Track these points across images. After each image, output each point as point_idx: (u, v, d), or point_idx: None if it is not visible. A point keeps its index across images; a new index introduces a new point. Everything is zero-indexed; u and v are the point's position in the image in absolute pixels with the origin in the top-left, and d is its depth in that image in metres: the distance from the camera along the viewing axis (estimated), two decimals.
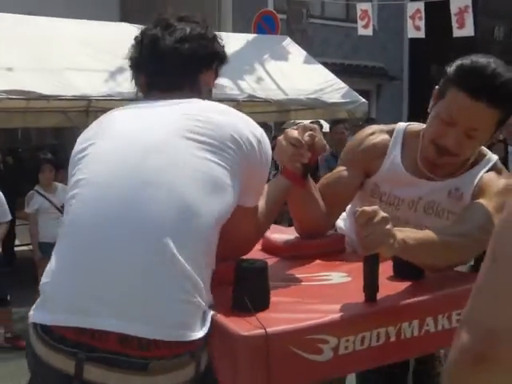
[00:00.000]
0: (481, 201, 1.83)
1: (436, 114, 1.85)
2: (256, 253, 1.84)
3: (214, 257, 1.46)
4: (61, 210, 5.87)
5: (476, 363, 0.78)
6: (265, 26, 10.77)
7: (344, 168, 2.10)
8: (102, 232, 1.38)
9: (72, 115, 9.21)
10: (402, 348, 1.51)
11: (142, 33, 1.67)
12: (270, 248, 1.97)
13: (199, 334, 1.35)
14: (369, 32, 10.28)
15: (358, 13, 10.20)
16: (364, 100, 8.89)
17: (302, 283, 1.70)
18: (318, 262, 1.91)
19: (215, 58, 1.69)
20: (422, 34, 9.53)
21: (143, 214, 1.37)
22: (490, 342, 0.77)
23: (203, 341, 1.36)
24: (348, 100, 8.55)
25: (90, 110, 8.98)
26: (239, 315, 1.39)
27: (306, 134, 1.80)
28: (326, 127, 8.14)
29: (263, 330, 1.30)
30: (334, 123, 7.66)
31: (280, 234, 2.07)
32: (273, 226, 2.14)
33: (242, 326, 1.32)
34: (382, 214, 1.47)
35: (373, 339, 1.44)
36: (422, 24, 9.42)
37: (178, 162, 1.42)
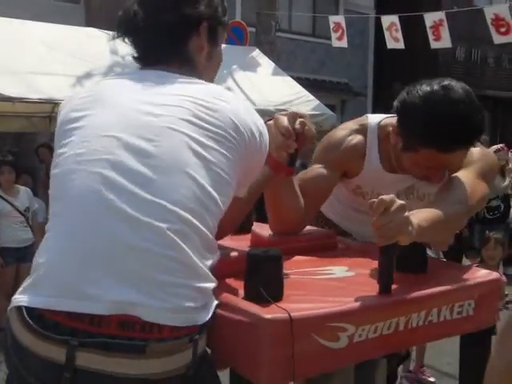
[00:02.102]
0: (462, 170, 1.86)
1: (414, 163, 1.87)
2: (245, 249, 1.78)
3: (215, 243, 1.41)
4: (24, 213, 5.71)
5: None
6: (233, 36, 10.76)
7: (321, 166, 2.07)
8: (103, 210, 1.28)
9: (35, 121, 9.04)
10: (408, 337, 1.49)
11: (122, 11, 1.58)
12: (260, 243, 1.91)
13: (204, 318, 1.29)
14: (343, 44, 10.32)
15: (331, 25, 10.22)
16: (332, 113, 8.95)
17: (307, 277, 1.65)
18: (314, 257, 1.87)
19: (200, 21, 1.53)
20: (401, 45, 9.59)
21: (147, 196, 1.29)
22: None
23: (204, 327, 1.31)
24: (316, 112, 8.57)
25: (52, 115, 8.84)
26: (256, 304, 1.32)
27: (297, 121, 1.73)
28: None
29: (287, 315, 1.23)
30: None
31: (268, 230, 2.01)
32: (256, 224, 2.09)
33: (264, 311, 1.25)
34: (399, 201, 1.43)
35: (384, 328, 1.41)
36: (399, 35, 9.49)
37: (182, 150, 1.34)
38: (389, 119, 2.07)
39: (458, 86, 1.79)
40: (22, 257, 5.61)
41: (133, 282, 1.24)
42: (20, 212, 5.70)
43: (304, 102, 8.73)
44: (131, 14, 1.53)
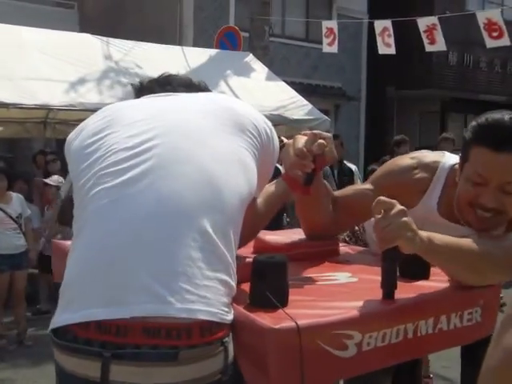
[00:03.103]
0: None
1: (465, 179, 1.77)
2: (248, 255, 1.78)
3: (238, 239, 1.43)
4: (16, 220, 5.69)
5: None
6: (227, 42, 10.77)
7: (373, 188, 1.99)
8: (130, 221, 1.29)
9: (29, 126, 9.02)
10: (418, 345, 1.49)
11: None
12: (264, 249, 1.91)
13: (230, 317, 1.30)
14: (334, 49, 10.33)
15: (324, 30, 10.25)
16: (326, 117, 8.95)
17: (311, 283, 1.64)
18: (317, 263, 1.87)
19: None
20: (392, 51, 9.61)
21: (174, 201, 1.30)
22: None
23: (230, 329, 1.30)
24: (311, 117, 8.58)
25: (47, 121, 8.82)
26: (262, 310, 1.32)
27: (316, 143, 1.70)
28: None
29: (294, 324, 1.23)
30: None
31: (271, 236, 2.02)
32: (262, 231, 2.10)
33: (271, 320, 1.25)
34: (400, 206, 1.43)
35: (393, 336, 1.41)
36: (391, 41, 9.52)
37: (206, 142, 1.40)
38: None
39: None
40: (16, 263, 5.60)
41: (161, 282, 1.23)
42: (12, 219, 5.69)
43: (298, 106, 8.74)
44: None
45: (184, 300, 1.22)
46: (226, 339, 1.28)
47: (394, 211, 1.41)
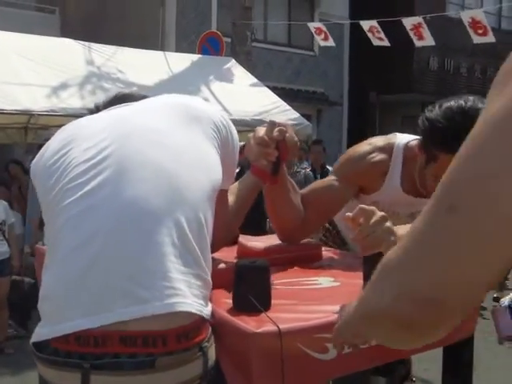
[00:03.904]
0: None
1: (434, 176, 1.82)
2: (232, 260, 1.79)
3: (210, 234, 1.42)
4: (0, 227, 5.64)
5: (418, 335, 0.73)
6: (209, 47, 10.78)
7: (336, 179, 2.07)
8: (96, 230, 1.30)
9: (11, 132, 8.95)
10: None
11: None
12: (246, 255, 1.92)
13: (206, 311, 1.30)
14: (330, 43, 10.44)
15: (312, 30, 10.37)
16: (308, 123, 8.99)
17: (293, 287, 1.66)
18: (298, 268, 1.88)
19: None
20: (386, 43, 9.69)
21: (138, 205, 1.31)
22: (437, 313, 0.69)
23: (209, 334, 1.31)
24: (294, 122, 8.60)
25: (29, 126, 8.76)
26: (245, 314, 1.33)
27: (275, 130, 1.77)
28: None
29: (276, 328, 1.24)
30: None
31: (254, 242, 2.04)
32: (242, 236, 2.11)
33: (254, 324, 1.26)
34: (380, 212, 1.46)
35: None
36: (382, 35, 9.59)
37: (163, 142, 1.40)
38: (416, 141, 2.03)
39: (475, 98, 1.77)
40: None
41: (137, 281, 1.24)
42: None
43: (280, 111, 8.76)
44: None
45: (162, 296, 1.24)
46: (205, 344, 1.28)
47: (375, 219, 1.43)
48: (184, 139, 1.43)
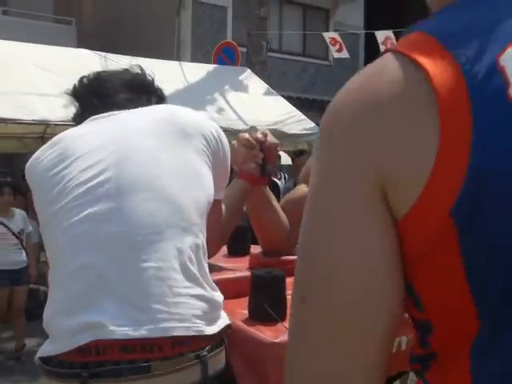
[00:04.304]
0: None
1: None
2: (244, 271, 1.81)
3: (206, 250, 1.44)
4: (18, 236, 5.69)
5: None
6: (225, 57, 10.83)
7: (304, 185, 2.11)
8: (98, 249, 1.34)
9: (28, 141, 9.03)
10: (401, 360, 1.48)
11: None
12: (259, 265, 1.92)
13: (209, 330, 1.32)
14: (344, 54, 10.46)
15: (327, 40, 10.39)
16: None
17: None
18: None
19: (152, 91, 1.71)
20: None
21: (137, 230, 1.34)
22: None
23: (210, 343, 1.32)
24: (309, 132, 8.61)
25: (46, 136, 8.84)
26: (261, 324, 1.33)
27: (258, 132, 1.87)
28: (287, 159, 8.22)
29: None
30: (296, 154, 7.64)
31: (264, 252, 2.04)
32: (255, 246, 2.12)
33: (271, 334, 1.26)
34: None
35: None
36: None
37: (157, 162, 1.42)
38: None
39: None
40: (16, 279, 5.60)
41: (134, 304, 1.28)
42: (14, 234, 5.68)
43: (296, 121, 8.76)
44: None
45: (156, 320, 1.27)
46: (204, 353, 1.31)
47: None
48: (178, 159, 1.44)
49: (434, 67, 0.59)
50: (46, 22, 13.97)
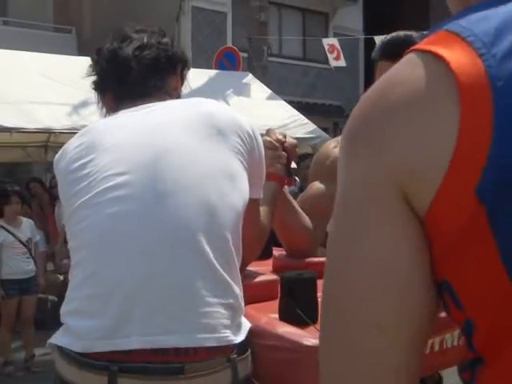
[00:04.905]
0: None
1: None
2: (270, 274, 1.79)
3: (240, 255, 1.42)
4: (26, 244, 5.68)
5: None
6: (226, 62, 10.83)
7: (317, 182, 2.13)
8: (122, 250, 1.31)
9: (30, 150, 9.03)
10: (442, 358, 1.46)
11: (98, 50, 1.63)
12: (282, 267, 1.90)
13: (237, 338, 1.31)
14: (341, 63, 10.47)
15: (326, 47, 10.36)
16: (327, 135, 8.97)
17: None
18: None
19: (178, 62, 1.67)
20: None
21: (168, 224, 1.31)
22: None
23: (238, 347, 1.32)
24: (312, 135, 8.60)
25: (48, 145, 8.84)
26: (293, 327, 1.31)
27: (277, 133, 1.87)
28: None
29: None
30: (300, 158, 7.62)
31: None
32: (277, 249, 2.10)
33: (304, 337, 1.24)
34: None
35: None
36: None
37: (194, 162, 1.37)
38: None
39: None
40: (25, 288, 5.58)
41: (164, 312, 1.26)
42: (22, 243, 5.67)
43: (299, 125, 8.76)
44: (121, 55, 1.58)
45: (188, 329, 1.26)
46: (234, 356, 1.30)
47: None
48: (214, 158, 1.40)
49: (450, 53, 0.60)
50: (46, 32, 13.98)
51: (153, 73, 1.59)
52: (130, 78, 1.56)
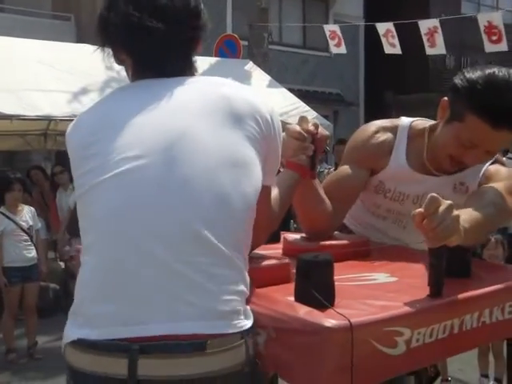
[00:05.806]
0: (490, 184, 1.86)
1: (455, 136, 1.83)
2: (281, 257, 1.78)
3: (250, 244, 1.40)
4: (28, 232, 5.66)
5: None
6: (226, 50, 10.77)
7: (348, 166, 2.10)
8: (139, 234, 1.28)
9: (30, 138, 9.00)
10: (462, 340, 1.46)
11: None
12: (293, 251, 1.88)
13: (248, 323, 1.31)
14: (342, 50, 10.43)
15: (327, 33, 10.31)
16: (329, 123, 8.95)
17: (349, 283, 1.61)
18: (351, 263, 1.85)
19: (201, 33, 1.55)
20: (398, 50, 9.71)
21: (181, 214, 1.28)
22: None
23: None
24: None
25: (48, 133, 8.81)
26: (311, 310, 1.29)
27: (310, 124, 1.80)
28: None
29: (347, 322, 1.20)
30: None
31: (299, 237, 2.02)
32: (286, 233, 2.09)
33: (323, 319, 1.22)
34: (447, 201, 1.36)
35: (440, 332, 1.38)
36: (396, 41, 9.58)
37: (207, 147, 1.32)
38: (421, 121, 2.09)
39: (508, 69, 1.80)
40: (27, 276, 5.57)
41: (183, 299, 1.24)
42: (24, 231, 5.65)
43: (300, 112, 8.70)
44: (136, 22, 1.42)
45: (207, 317, 1.24)
46: (244, 333, 1.29)
47: (443, 207, 1.33)
48: (229, 145, 1.34)
49: None
50: (44, 19, 13.89)
51: (177, 49, 1.48)
52: (149, 55, 1.45)
